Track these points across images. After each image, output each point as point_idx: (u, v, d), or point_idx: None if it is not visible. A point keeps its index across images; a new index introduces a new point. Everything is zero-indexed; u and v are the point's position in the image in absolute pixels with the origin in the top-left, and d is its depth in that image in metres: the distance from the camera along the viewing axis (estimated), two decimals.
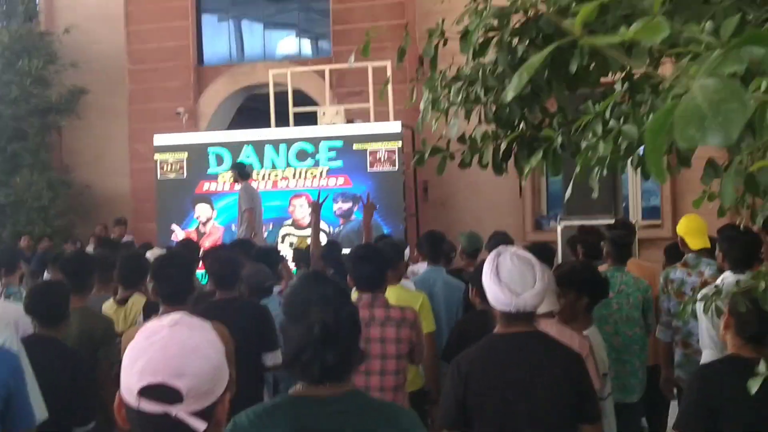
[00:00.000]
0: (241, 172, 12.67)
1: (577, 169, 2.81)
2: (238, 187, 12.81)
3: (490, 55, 3.46)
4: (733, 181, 1.70)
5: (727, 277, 5.87)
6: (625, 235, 7.09)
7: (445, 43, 3.79)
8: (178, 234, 14.87)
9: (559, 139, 2.87)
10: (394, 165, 14.04)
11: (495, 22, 3.36)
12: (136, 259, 7.23)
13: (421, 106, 4.08)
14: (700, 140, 0.94)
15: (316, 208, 7.94)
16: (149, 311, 6.09)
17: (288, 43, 18.29)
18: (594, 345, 4.84)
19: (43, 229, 16.75)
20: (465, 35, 3.34)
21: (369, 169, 14.25)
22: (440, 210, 15.04)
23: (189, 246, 9.36)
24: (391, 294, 5.96)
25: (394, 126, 13.82)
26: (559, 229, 12.27)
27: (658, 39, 0.95)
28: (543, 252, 6.77)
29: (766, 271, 3.21)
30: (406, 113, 13.34)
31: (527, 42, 3.22)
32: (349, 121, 14.71)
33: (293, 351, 2.87)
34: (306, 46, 18.31)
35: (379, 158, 14.13)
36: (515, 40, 3.34)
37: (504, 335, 3.83)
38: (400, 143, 13.97)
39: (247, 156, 14.67)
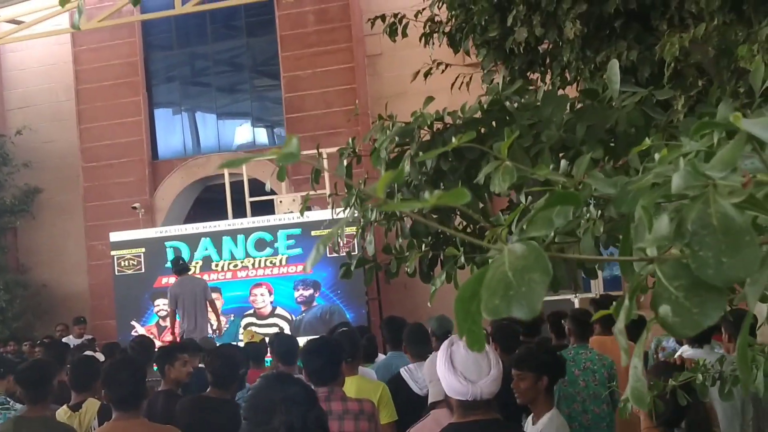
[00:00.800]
0: (175, 268, 12.88)
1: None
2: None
3: (406, 168, 3.48)
4: None
5: (686, 350, 5.88)
6: (585, 312, 7.12)
7: (359, 161, 3.82)
8: (139, 330, 14.71)
9: (462, 259, 2.88)
10: (354, 249, 13.98)
11: (399, 139, 3.40)
12: (88, 361, 7.08)
13: (344, 213, 4.10)
14: (504, 311, 0.91)
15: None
16: (104, 416, 5.95)
17: (242, 132, 18.36)
18: (557, 426, 4.80)
19: (0, 332, 16.49)
20: (373, 152, 3.36)
21: (328, 255, 14.19)
22: (403, 293, 14.95)
23: (143, 344, 9.21)
24: (351, 385, 5.88)
25: (354, 212, 13.81)
26: None
27: (461, 203, 0.93)
28: (509, 335, 6.81)
29: (703, 364, 3.22)
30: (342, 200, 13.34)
31: (436, 155, 3.24)
32: (306, 208, 14.67)
33: None
34: (261, 135, 18.38)
35: (340, 243, 14.07)
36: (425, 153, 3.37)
37: (463, 424, 3.76)
38: (359, 229, 13.95)
39: (205, 248, 14.62)
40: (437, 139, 3.21)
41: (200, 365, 7.33)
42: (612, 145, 2.69)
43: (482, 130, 3.17)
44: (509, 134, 2.81)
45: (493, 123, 3.06)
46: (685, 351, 5.89)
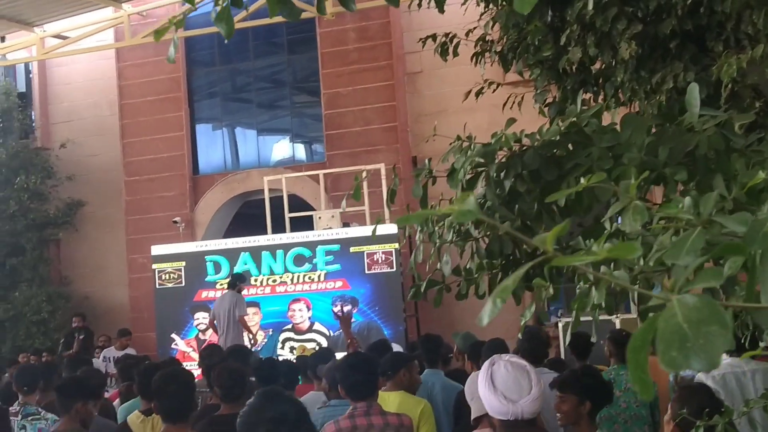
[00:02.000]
0: (230, 283, 13.23)
1: (573, 316, 2.83)
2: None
3: (479, 190, 3.49)
4: None
5: (725, 359, 5.87)
6: (625, 333, 7.11)
7: (434, 182, 3.83)
8: (179, 343, 14.82)
9: (551, 290, 2.90)
10: (392, 266, 14.06)
11: (480, 160, 3.41)
12: (156, 371, 7.15)
13: (417, 239, 4.11)
14: (683, 364, 0.92)
15: (345, 321, 7.87)
16: None
17: (282, 148, 18.48)
18: None
19: (42, 343, 16.65)
20: (452, 173, 3.38)
21: (367, 271, 14.26)
22: (440, 309, 14.96)
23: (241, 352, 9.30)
24: (393, 400, 5.92)
25: (391, 228, 13.85)
26: (560, 325, 12.19)
27: (633, 257, 0.95)
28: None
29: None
30: (402, 214, 13.40)
31: (513, 176, 3.26)
32: (345, 224, 14.77)
33: None
34: (300, 151, 18.49)
35: (377, 260, 14.16)
36: (502, 174, 3.38)
37: None
38: (397, 245, 14.01)
39: (244, 263, 14.71)
40: (515, 161, 3.23)
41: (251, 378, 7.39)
42: (692, 168, 2.70)
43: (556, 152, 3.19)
44: (590, 156, 2.86)
45: (570, 146, 3.08)
46: (724, 359, 5.87)
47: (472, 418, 4.68)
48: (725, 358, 5.94)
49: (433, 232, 3.86)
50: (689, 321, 0.93)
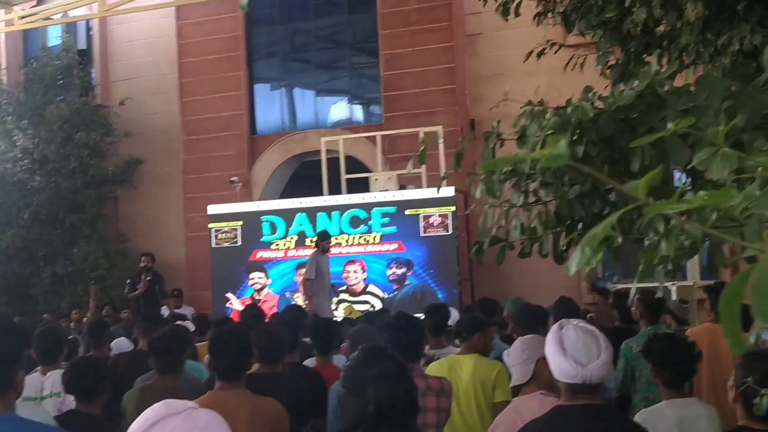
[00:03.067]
0: (317, 242, 13.22)
1: (640, 268, 2.75)
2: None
3: None
4: None
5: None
6: (653, 295, 7.00)
7: (502, 144, 3.75)
8: (234, 302, 14.92)
9: (619, 239, 2.81)
10: (448, 229, 14.00)
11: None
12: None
13: (479, 195, 4.04)
14: None
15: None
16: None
17: (339, 109, 18.44)
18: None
19: (101, 300, 16.88)
20: (522, 136, 3.30)
21: (422, 234, 14.23)
22: (494, 273, 14.87)
23: (254, 312, 9.33)
24: (468, 363, 5.94)
25: (447, 191, 13.76)
26: (614, 290, 12.04)
27: (730, 204, 0.89)
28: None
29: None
30: (458, 177, 13.32)
31: (585, 141, 3.17)
32: (402, 186, 14.72)
33: (349, 424, 2.91)
34: (357, 113, 18.43)
35: (432, 223, 14.11)
36: (574, 138, 3.30)
37: (571, 407, 3.71)
38: (453, 208, 13.94)
39: (300, 224, 14.75)
40: (588, 126, 3.14)
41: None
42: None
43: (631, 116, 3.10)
44: (665, 120, 2.76)
45: (644, 109, 2.99)
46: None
47: (512, 384, 4.64)
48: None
49: (498, 194, 3.79)
50: None
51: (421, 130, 14.01)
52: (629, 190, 0.94)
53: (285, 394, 5.69)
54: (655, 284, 9.54)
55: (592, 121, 3.13)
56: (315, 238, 13.63)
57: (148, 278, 15.02)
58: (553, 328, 3.79)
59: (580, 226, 3.64)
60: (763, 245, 0.90)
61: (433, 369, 5.90)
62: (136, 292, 14.70)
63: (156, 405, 2.24)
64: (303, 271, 13.40)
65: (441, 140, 13.49)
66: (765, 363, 3.93)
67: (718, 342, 7.04)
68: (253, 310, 9.57)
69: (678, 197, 1.04)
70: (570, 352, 3.66)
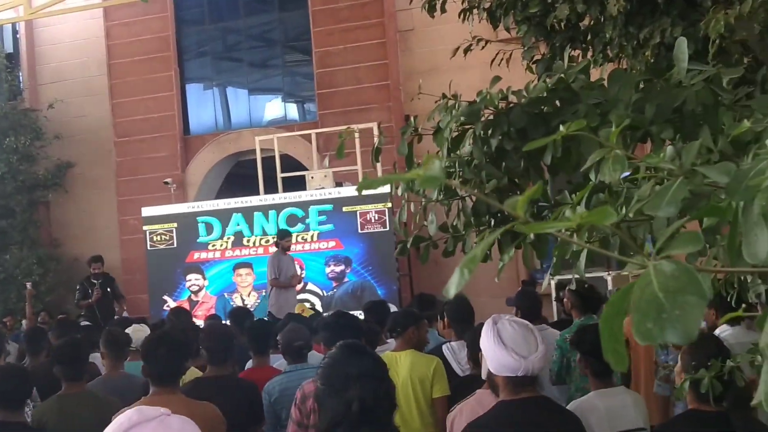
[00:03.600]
0: (276, 241, 13.10)
1: (554, 261, 2.77)
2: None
3: (466, 148, 3.42)
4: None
5: (724, 330, 5.82)
6: (589, 286, 7.11)
7: (419, 140, 3.75)
8: (171, 305, 14.77)
9: (531, 236, 2.83)
10: (385, 226, 14.00)
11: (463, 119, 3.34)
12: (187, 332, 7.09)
13: (400, 194, 4.04)
14: (659, 336, 0.87)
15: None
16: None
17: (273, 108, 18.35)
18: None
19: (35, 305, 16.60)
20: (437, 131, 3.31)
21: (360, 231, 14.22)
22: (434, 269, 14.91)
23: (179, 315, 9.27)
24: (405, 359, 5.93)
25: (383, 187, 13.71)
26: (552, 283, 12.16)
27: (607, 223, 0.88)
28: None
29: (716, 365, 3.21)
30: (392, 172, 13.33)
31: (500, 134, 3.19)
32: (338, 184, 14.69)
33: (329, 423, 2.89)
34: (292, 111, 18.37)
35: (370, 219, 14.11)
36: (489, 132, 3.31)
37: (515, 401, 3.74)
38: (389, 204, 13.94)
39: (236, 224, 14.66)
40: (501, 118, 3.15)
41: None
42: (679, 124, 2.63)
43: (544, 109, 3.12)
44: (577, 113, 2.78)
45: (557, 103, 3.01)
46: (724, 331, 5.81)
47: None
48: (726, 329, 5.87)
49: (419, 191, 3.80)
50: (665, 290, 0.87)
51: (356, 127, 13.95)
52: (507, 208, 0.93)
53: (236, 397, 5.66)
54: (600, 274, 9.64)
55: (505, 113, 3.15)
56: (275, 237, 13.48)
57: (99, 282, 14.29)
58: (488, 324, 3.81)
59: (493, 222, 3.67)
60: (643, 259, 0.89)
61: None
62: (89, 301, 14.14)
63: (129, 411, 2.25)
64: None
65: (375, 136, 13.45)
66: (708, 346, 4.00)
67: None
68: (177, 313, 9.54)
69: (560, 215, 1.04)
70: (510, 345, 3.69)
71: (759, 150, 1.37)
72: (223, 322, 9.68)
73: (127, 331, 8.02)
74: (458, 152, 3.47)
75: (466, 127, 3.36)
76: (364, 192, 4.23)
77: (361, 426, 2.82)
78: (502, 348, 3.68)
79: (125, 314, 13.15)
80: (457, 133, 3.34)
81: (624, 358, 0.93)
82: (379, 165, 13.35)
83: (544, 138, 2.93)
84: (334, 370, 3.01)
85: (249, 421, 5.76)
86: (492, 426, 3.77)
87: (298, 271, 13.23)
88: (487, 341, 3.75)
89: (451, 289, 1.06)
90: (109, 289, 14.26)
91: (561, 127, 2.91)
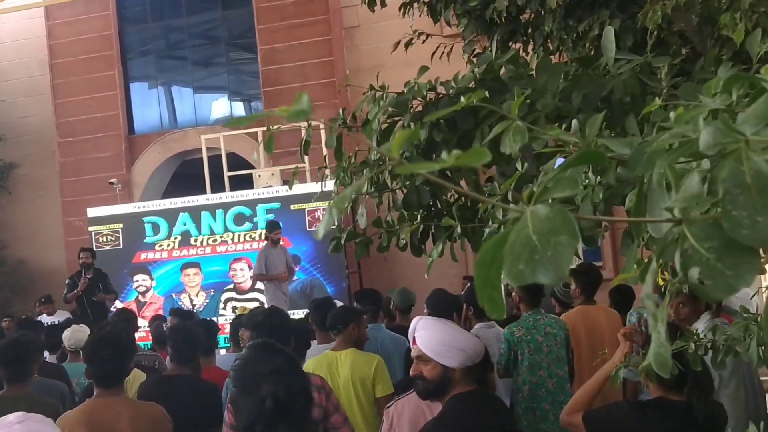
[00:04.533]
0: (265, 234, 13.04)
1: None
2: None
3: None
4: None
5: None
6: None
7: (350, 131, 3.76)
8: (118, 306, 14.61)
9: (458, 230, 2.84)
10: (333, 223, 13.95)
11: (392, 110, 3.35)
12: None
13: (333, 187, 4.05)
14: (530, 277, 0.87)
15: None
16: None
17: (219, 106, 18.24)
18: None
19: None
20: (366, 123, 3.32)
21: (308, 229, 14.19)
22: (383, 265, 14.94)
23: (123, 316, 9.19)
24: (345, 358, 5.91)
25: (331, 185, 13.68)
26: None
27: (480, 164, 0.88)
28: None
29: (695, 333, 3.22)
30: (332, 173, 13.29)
31: (429, 125, 3.19)
32: (286, 181, 14.63)
33: (245, 423, 2.88)
34: (238, 109, 18.26)
35: (318, 217, 14.09)
36: (418, 124, 3.32)
37: (466, 393, 3.78)
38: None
39: (183, 223, 14.55)
40: (430, 110, 3.16)
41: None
42: (608, 113, 2.66)
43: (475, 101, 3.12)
44: (506, 103, 2.78)
45: (487, 92, 3.01)
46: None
47: None
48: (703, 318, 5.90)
49: (350, 184, 3.80)
50: (539, 232, 0.88)
51: (303, 125, 13.92)
52: (383, 150, 0.93)
53: (196, 397, 5.62)
54: None
55: (433, 104, 3.16)
56: (263, 231, 13.34)
57: (89, 276, 13.56)
58: (412, 325, 3.86)
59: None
60: (524, 206, 0.90)
61: (310, 366, 5.84)
62: (74, 292, 13.47)
63: None
64: None
65: (323, 133, 13.43)
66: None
67: (593, 323, 7.22)
68: (122, 314, 9.48)
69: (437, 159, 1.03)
70: (449, 341, 3.72)
71: (662, 123, 1.39)
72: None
73: (66, 332, 7.95)
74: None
75: (396, 119, 3.37)
76: (319, 188, 4.19)
77: (278, 423, 2.82)
78: (445, 345, 3.73)
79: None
80: (386, 125, 3.34)
81: (500, 304, 0.94)
82: (324, 153, 13.30)
83: (476, 134, 2.95)
84: (245, 370, 3.00)
85: (208, 421, 5.73)
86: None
87: (291, 264, 13.12)
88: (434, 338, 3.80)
89: (320, 230, 1.07)
90: (100, 284, 13.63)
91: (491, 121, 2.95)
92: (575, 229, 0.87)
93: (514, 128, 1.30)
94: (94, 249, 14.56)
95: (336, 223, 3.99)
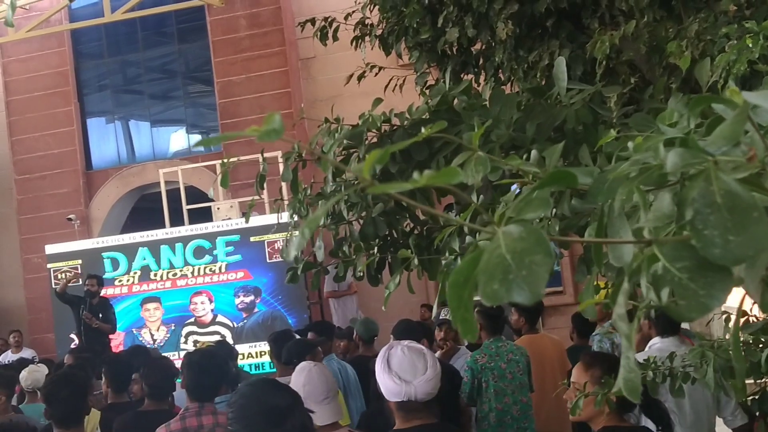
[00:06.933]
0: None
1: (440, 288, 2.80)
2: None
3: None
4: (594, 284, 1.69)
5: (655, 342, 5.90)
6: (496, 307, 7.23)
7: (304, 165, 3.79)
8: (78, 343, 14.49)
9: (415, 261, 2.87)
10: (305, 244, 13.93)
11: (347, 142, 3.38)
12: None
13: (287, 222, 4.07)
14: (505, 296, 0.87)
15: None
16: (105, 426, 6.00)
17: (177, 140, 18.20)
18: None
19: None
20: (321, 155, 3.36)
21: (268, 260, 14.16)
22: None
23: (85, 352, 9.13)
24: None
25: (283, 217, 13.68)
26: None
27: (452, 182, 0.91)
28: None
29: (653, 361, 3.27)
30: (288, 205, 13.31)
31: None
32: (244, 214, 14.60)
33: None
34: (196, 142, 18.23)
35: (277, 248, 14.05)
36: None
37: (404, 431, 3.72)
38: (296, 232, 13.90)
39: (143, 258, 14.47)
40: (385, 141, 3.19)
41: None
42: (560, 142, 2.71)
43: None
44: (460, 134, 2.83)
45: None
46: (654, 343, 5.90)
47: None
48: (657, 341, 5.92)
49: (306, 215, 3.83)
50: (512, 251, 0.89)
51: (260, 156, 13.90)
52: (354, 171, 0.96)
53: None
54: None
55: (388, 136, 3.19)
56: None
57: (93, 302, 12.98)
58: (383, 350, 3.83)
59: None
60: (494, 228, 0.93)
61: None
62: (93, 321, 12.77)
63: None
64: None
65: (281, 165, 13.43)
66: (608, 360, 4.06)
67: (540, 351, 7.33)
68: (82, 352, 9.43)
69: (444, 236, 1.07)
70: (395, 369, 3.69)
71: (620, 153, 1.43)
72: None
73: (23, 373, 7.86)
74: (344, 176, 3.50)
75: (351, 151, 3.40)
76: (278, 220, 4.21)
77: None
78: (387, 372, 3.69)
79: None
80: (342, 158, 3.38)
81: (473, 326, 0.95)
82: (283, 185, 13.27)
83: (432, 164, 2.99)
84: (245, 410, 2.95)
85: None
86: None
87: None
88: (377, 367, 3.77)
89: (291, 250, 1.08)
90: (101, 315, 12.99)
91: (446, 152, 3.00)
92: (549, 248, 0.88)
93: (475, 159, 1.33)
94: (54, 286, 14.41)
95: (301, 248, 4.01)
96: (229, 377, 5.68)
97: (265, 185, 10.98)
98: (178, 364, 6.95)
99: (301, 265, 3.96)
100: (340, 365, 7.42)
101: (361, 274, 3.70)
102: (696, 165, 0.94)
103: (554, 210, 1.82)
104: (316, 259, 3.93)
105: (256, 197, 4.56)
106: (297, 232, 1.08)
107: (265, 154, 11.41)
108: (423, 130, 3.11)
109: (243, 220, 14.17)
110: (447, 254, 2.54)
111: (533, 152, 1.61)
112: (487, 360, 6.80)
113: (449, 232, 2.56)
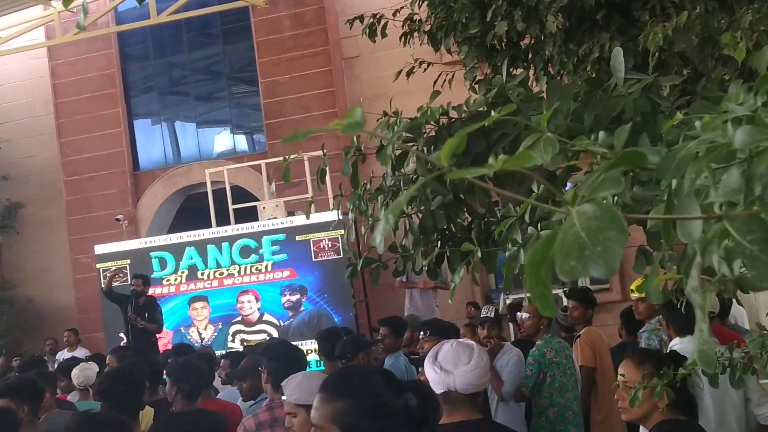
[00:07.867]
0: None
1: (504, 279, 2.80)
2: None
3: (410, 166, 3.46)
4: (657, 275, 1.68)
5: (675, 344, 5.87)
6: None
7: (363, 160, 3.80)
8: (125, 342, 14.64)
9: (478, 254, 2.87)
10: (339, 253, 14.01)
11: (405, 135, 3.39)
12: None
13: (350, 216, 4.09)
14: (582, 272, 0.90)
15: None
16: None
17: (222, 140, 18.31)
18: None
19: None
20: (380, 149, 3.35)
21: (314, 259, 14.22)
22: (390, 293, 14.96)
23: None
24: None
25: (335, 215, 13.72)
26: (508, 302, 12.27)
27: (527, 165, 0.93)
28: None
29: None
30: (347, 200, 13.33)
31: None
32: (290, 213, 14.69)
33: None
34: (241, 142, 18.34)
35: (323, 247, 14.12)
36: (431, 149, 3.36)
37: (447, 426, 3.62)
38: (342, 231, 13.96)
39: (190, 257, 14.61)
40: (443, 134, 3.20)
41: None
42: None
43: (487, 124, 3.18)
44: (517, 126, 2.84)
45: (506, 109, 3.06)
46: (674, 344, 5.87)
47: None
48: (677, 342, 5.89)
49: (366, 210, 3.84)
50: (587, 229, 0.92)
51: (306, 155, 14.01)
52: (433, 159, 0.98)
53: (217, 428, 5.64)
54: (556, 291, 9.80)
55: (446, 128, 3.20)
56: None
57: (142, 303, 13.00)
58: (435, 346, 3.84)
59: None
60: (570, 208, 0.94)
61: None
62: (138, 321, 12.73)
63: None
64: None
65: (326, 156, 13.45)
66: (657, 356, 4.03)
67: (604, 342, 7.29)
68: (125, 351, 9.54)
69: (504, 228, 1.08)
70: (439, 360, 3.67)
71: (688, 132, 1.44)
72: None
73: (74, 370, 7.96)
74: (402, 170, 3.51)
75: (409, 144, 3.41)
76: (322, 219, 4.24)
77: None
78: (431, 363, 3.68)
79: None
80: (400, 152, 3.38)
81: (551, 302, 0.97)
82: (329, 183, 13.36)
83: (489, 157, 2.99)
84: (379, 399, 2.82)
85: None
86: None
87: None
88: (426, 362, 3.77)
89: (378, 236, 1.11)
90: (147, 314, 12.96)
91: (504, 143, 3.01)
92: (623, 224, 0.91)
93: (545, 139, 1.35)
94: (102, 286, 14.54)
95: (350, 248, 4.03)
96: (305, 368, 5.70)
97: (309, 185, 11.03)
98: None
99: (360, 261, 3.97)
100: (406, 363, 7.44)
101: (424, 267, 3.69)
102: (764, 141, 0.95)
103: (615, 198, 1.81)
104: (374, 253, 3.93)
105: (305, 195, 4.59)
106: (381, 218, 1.11)
107: (311, 154, 11.47)
108: (480, 121, 3.13)
109: (288, 219, 14.30)
110: (510, 245, 2.54)
111: (601, 133, 1.61)
112: (554, 354, 6.80)
113: (509, 223, 2.57)
